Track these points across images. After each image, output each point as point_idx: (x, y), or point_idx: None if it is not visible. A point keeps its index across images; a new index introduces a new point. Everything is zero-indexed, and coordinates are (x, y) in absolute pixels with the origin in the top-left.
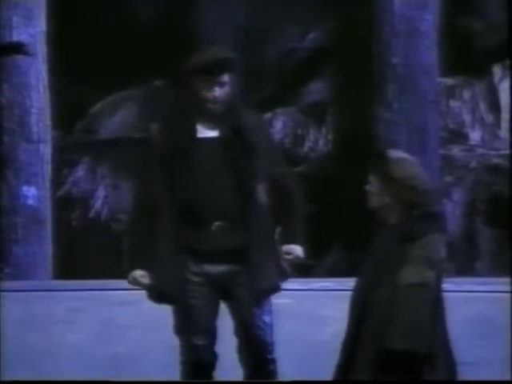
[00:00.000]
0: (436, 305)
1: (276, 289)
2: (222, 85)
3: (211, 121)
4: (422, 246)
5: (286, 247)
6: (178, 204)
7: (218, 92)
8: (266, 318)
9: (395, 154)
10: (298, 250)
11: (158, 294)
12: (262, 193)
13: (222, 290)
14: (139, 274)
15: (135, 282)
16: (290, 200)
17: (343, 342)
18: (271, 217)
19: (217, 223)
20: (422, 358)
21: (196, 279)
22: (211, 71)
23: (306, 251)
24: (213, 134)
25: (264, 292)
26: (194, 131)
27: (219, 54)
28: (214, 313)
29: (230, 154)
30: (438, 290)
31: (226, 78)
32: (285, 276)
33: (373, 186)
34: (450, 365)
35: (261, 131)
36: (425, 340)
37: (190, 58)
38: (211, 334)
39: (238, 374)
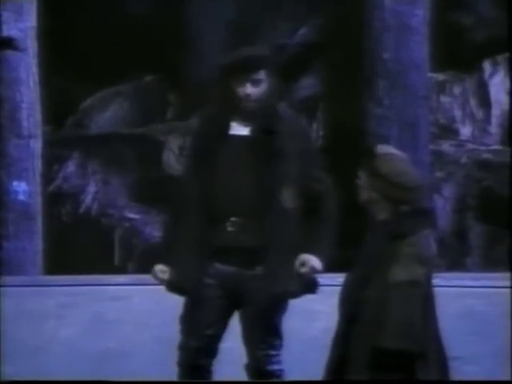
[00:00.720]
0: (427, 302)
1: (288, 295)
2: (255, 82)
3: (245, 119)
4: (412, 243)
5: (302, 257)
6: (201, 198)
7: (251, 89)
8: (275, 341)
9: (384, 149)
10: (314, 261)
11: (176, 289)
12: (288, 196)
13: (234, 293)
14: (159, 268)
15: (154, 276)
16: (321, 207)
17: (333, 339)
18: (298, 222)
19: (232, 219)
20: (415, 356)
21: (209, 280)
22: (244, 68)
23: (325, 265)
24: (244, 132)
25: (274, 296)
26: (227, 128)
27: (252, 52)
28: (220, 319)
29: (255, 153)
30: (429, 287)
31: (260, 75)
32: (310, 286)
33: (362, 180)
34: (442, 361)
35: (295, 134)
36: (417, 338)
37: (222, 59)
38: (211, 339)
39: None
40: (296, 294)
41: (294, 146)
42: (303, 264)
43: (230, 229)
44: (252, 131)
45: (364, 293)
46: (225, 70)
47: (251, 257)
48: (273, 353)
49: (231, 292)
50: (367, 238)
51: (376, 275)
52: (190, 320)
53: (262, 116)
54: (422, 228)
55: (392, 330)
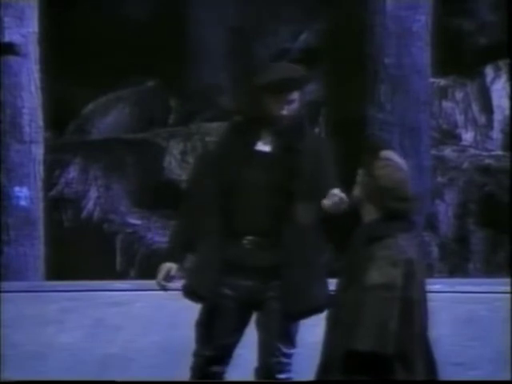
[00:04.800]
0: (407, 306)
1: (310, 312)
2: (290, 103)
3: (270, 135)
4: (387, 246)
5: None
6: (221, 212)
7: (286, 110)
8: (289, 350)
9: (387, 154)
10: (338, 194)
11: (192, 294)
12: (305, 213)
13: (251, 303)
14: (168, 266)
15: (159, 273)
16: None
17: (322, 343)
18: (316, 239)
19: (249, 237)
20: (390, 358)
21: (225, 291)
22: (282, 90)
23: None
24: (267, 148)
25: (292, 314)
26: (254, 144)
27: (291, 74)
28: (235, 330)
29: (276, 170)
30: (411, 291)
31: (294, 95)
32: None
33: (359, 177)
34: (429, 366)
35: (317, 154)
36: (390, 341)
37: (260, 74)
38: (225, 349)
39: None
40: (318, 310)
41: (315, 165)
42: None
43: (246, 246)
44: (274, 148)
45: (344, 295)
46: (262, 88)
47: (268, 273)
48: (285, 361)
49: (248, 303)
50: (351, 241)
51: (354, 278)
52: (206, 329)
53: (285, 133)
54: (397, 232)
55: (364, 331)
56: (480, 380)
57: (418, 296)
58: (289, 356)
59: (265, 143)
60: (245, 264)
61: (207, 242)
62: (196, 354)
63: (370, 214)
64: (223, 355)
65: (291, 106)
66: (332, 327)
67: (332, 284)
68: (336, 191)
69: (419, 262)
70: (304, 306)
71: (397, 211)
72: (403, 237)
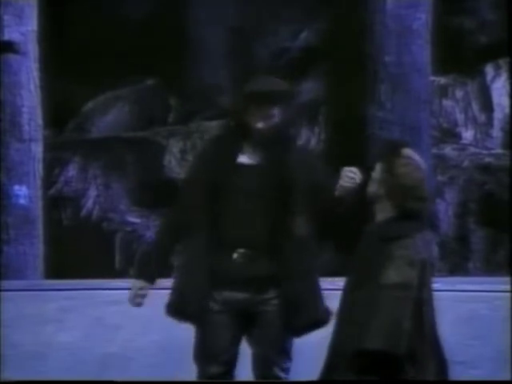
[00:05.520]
0: (420, 305)
1: (311, 326)
2: (272, 116)
3: (255, 148)
4: (404, 246)
5: (344, 170)
6: (208, 225)
7: (267, 123)
8: (286, 364)
9: (407, 152)
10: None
11: (176, 312)
12: (300, 224)
13: (245, 317)
14: (138, 285)
15: (131, 290)
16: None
17: (329, 342)
18: (313, 249)
19: (240, 250)
20: (401, 358)
21: (216, 306)
22: (263, 102)
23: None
24: (252, 161)
25: (295, 328)
26: (236, 156)
27: (273, 87)
28: (234, 342)
29: (264, 182)
30: (422, 291)
31: (275, 110)
32: (328, 315)
33: (375, 173)
34: (440, 365)
35: (304, 166)
36: (402, 341)
37: (244, 86)
38: (229, 363)
39: None
40: (321, 323)
41: (301, 177)
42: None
43: (238, 260)
44: (260, 160)
45: (356, 294)
46: (243, 99)
47: (262, 285)
48: (283, 375)
49: (241, 317)
50: (362, 239)
51: (368, 277)
52: (204, 348)
53: (271, 146)
54: (414, 232)
55: (377, 331)
56: (480, 380)
57: (427, 296)
58: (287, 371)
59: (248, 156)
60: (236, 277)
61: (194, 256)
62: (200, 376)
63: (384, 211)
64: (226, 371)
65: (273, 119)
66: (341, 326)
67: (331, 283)
68: (346, 169)
69: (430, 263)
70: (308, 319)
71: (414, 210)
72: (419, 237)
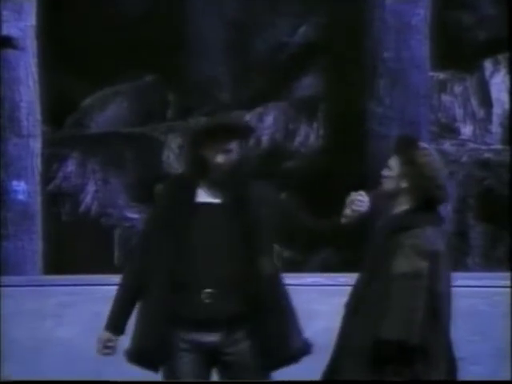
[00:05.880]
0: (432, 298)
1: (282, 363)
2: (227, 152)
3: (214, 187)
4: (413, 235)
5: (351, 196)
6: (170, 267)
7: (221, 159)
8: None
9: (423, 143)
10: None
11: (137, 358)
12: (266, 263)
13: (213, 358)
14: (105, 337)
15: (99, 342)
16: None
17: (338, 333)
18: (279, 287)
19: (206, 290)
20: (414, 348)
21: (184, 346)
22: (218, 138)
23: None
24: (214, 200)
25: (269, 366)
26: (195, 195)
27: (227, 122)
28: (204, 379)
29: (229, 221)
30: (437, 283)
31: (232, 145)
32: (305, 350)
33: (392, 170)
34: (451, 360)
35: (267, 201)
36: (415, 331)
37: (201, 123)
38: None
39: None
40: (296, 359)
41: (265, 211)
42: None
43: (205, 300)
44: (222, 199)
45: (368, 285)
46: (196, 137)
47: (230, 325)
48: None
49: (211, 358)
50: (375, 234)
51: (379, 269)
52: None
53: (231, 183)
54: (426, 223)
55: (389, 321)
56: (480, 380)
57: (443, 289)
58: None
59: (208, 194)
60: (204, 318)
61: (156, 300)
62: None
63: (400, 205)
64: None
65: (228, 155)
66: (351, 318)
67: (332, 279)
68: (354, 194)
69: (445, 256)
70: (280, 358)
71: (436, 199)
72: (431, 229)
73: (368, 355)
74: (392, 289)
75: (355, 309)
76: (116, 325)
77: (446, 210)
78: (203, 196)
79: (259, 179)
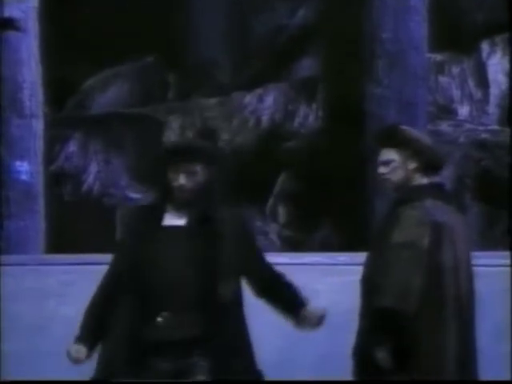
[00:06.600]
0: (436, 270)
1: None
2: (190, 174)
3: (179, 209)
4: (413, 207)
5: (309, 307)
6: (135, 290)
7: (184, 181)
8: None
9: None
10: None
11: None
12: (227, 289)
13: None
14: (75, 348)
15: (69, 357)
16: (285, 281)
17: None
18: (239, 314)
19: (164, 314)
20: (408, 318)
21: (147, 373)
22: (179, 159)
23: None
24: (179, 222)
25: None
26: (160, 218)
27: (188, 144)
28: None
29: (192, 244)
30: (438, 254)
31: (196, 168)
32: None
33: (393, 161)
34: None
35: (234, 225)
36: (411, 299)
37: (167, 144)
38: None
39: None
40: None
41: (232, 237)
42: (314, 313)
43: (162, 323)
44: (187, 221)
45: (371, 258)
46: (160, 159)
47: (187, 350)
48: None
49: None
50: (384, 211)
51: (381, 239)
52: None
53: (196, 206)
54: (427, 196)
55: (387, 290)
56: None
57: (450, 261)
58: None
59: (173, 217)
60: (161, 342)
61: (120, 324)
62: None
63: (417, 179)
64: None
65: (191, 178)
66: (362, 292)
67: (331, 258)
68: (311, 309)
69: (450, 229)
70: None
71: (438, 164)
72: (431, 201)
73: (371, 326)
74: (389, 259)
75: (367, 284)
76: (86, 339)
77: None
78: (169, 219)
79: (237, 206)
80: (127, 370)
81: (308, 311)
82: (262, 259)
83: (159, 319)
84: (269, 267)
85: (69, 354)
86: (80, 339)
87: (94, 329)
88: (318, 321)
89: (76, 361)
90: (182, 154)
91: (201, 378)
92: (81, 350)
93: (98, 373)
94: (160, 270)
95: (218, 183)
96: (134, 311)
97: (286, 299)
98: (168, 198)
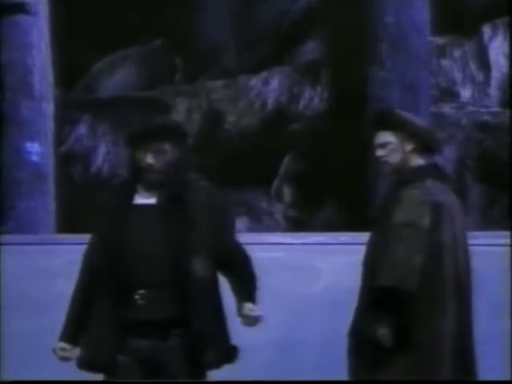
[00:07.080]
0: (436, 248)
1: (208, 365)
2: (159, 153)
3: (150, 188)
4: (413, 187)
5: (249, 305)
6: (110, 271)
7: (153, 160)
8: None
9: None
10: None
11: (88, 366)
12: (199, 266)
13: (151, 366)
14: (60, 346)
15: (56, 354)
16: (245, 268)
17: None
18: (213, 291)
19: (141, 291)
20: (410, 295)
21: (124, 357)
22: (146, 138)
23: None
24: (149, 201)
25: (196, 368)
26: (132, 197)
27: (156, 122)
28: None
29: (163, 222)
30: (438, 233)
31: (164, 146)
32: (230, 355)
33: (389, 144)
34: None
35: (204, 202)
36: (412, 277)
37: (136, 125)
38: None
39: None
40: (216, 365)
41: (201, 213)
42: (251, 310)
43: (139, 301)
44: (157, 200)
45: (372, 238)
46: (128, 139)
47: (164, 329)
48: None
49: (148, 365)
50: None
51: (383, 220)
52: None
53: (166, 184)
54: (427, 176)
55: (387, 268)
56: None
57: (450, 240)
58: None
59: (144, 195)
60: (139, 321)
61: (100, 306)
62: None
63: (416, 159)
64: None
65: (160, 156)
66: (363, 273)
67: (333, 238)
68: (250, 307)
69: (449, 209)
70: (215, 357)
71: (433, 146)
72: (431, 181)
73: (372, 304)
74: (390, 238)
75: (366, 263)
76: (69, 335)
77: (446, 171)
78: (140, 198)
79: (211, 183)
80: (109, 349)
81: (247, 308)
82: (227, 236)
83: (136, 297)
84: (230, 246)
85: (55, 353)
86: (63, 337)
87: (76, 323)
88: (252, 321)
89: (62, 359)
90: (150, 133)
91: (177, 354)
92: (66, 348)
93: (82, 353)
94: (133, 248)
95: (187, 160)
96: (111, 291)
97: (235, 285)
98: (138, 177)
